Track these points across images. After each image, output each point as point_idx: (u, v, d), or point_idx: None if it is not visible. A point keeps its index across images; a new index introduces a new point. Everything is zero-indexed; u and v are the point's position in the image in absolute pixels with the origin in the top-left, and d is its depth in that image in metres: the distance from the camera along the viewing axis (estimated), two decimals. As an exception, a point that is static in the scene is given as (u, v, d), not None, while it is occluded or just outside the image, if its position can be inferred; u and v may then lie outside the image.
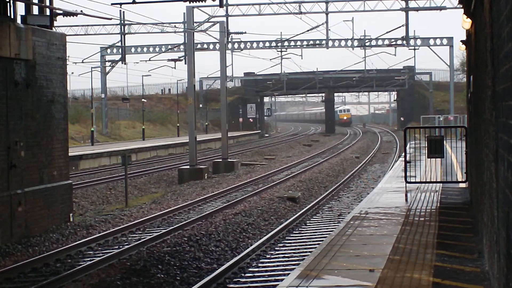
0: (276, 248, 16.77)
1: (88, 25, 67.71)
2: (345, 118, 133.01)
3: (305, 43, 71.18)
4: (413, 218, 14.11)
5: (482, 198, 10.66)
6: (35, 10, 21.81)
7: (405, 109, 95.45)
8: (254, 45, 71.81)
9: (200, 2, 28.08)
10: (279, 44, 72.99)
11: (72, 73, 79.45)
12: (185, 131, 69.35)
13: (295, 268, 10.61)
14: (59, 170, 21.61)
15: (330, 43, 68.82)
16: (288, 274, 10.26)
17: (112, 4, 30.16)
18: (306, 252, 15.55)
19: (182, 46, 67.83)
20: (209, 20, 55.68)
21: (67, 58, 22.64)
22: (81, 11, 25.46)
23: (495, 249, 7.42)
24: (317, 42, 69.36)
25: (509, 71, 5.50)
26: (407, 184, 18.07)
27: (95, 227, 20.76)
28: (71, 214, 22.03)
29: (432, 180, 20.56)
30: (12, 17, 20.01)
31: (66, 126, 22.46)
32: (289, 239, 17.99)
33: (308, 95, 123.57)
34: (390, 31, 69.08)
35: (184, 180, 34.57)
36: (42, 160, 20.75)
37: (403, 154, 21.94)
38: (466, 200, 16.85)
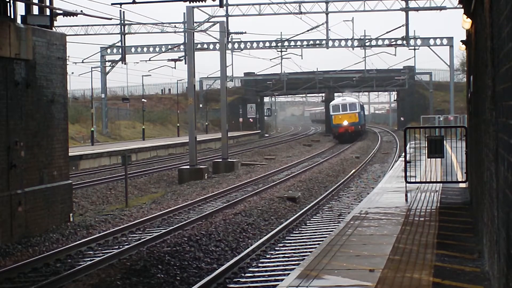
0: (276, 248, 16.77)
1: (88, 25, 67.73)
2: (345, 123, 70.43)
3: (305, 43, 71.16)
4: (413, 218, 14.11)
5: (482, 198, 10.66)
6: (35, 10, 21.81)
7: (405, 109, 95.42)
8: (254, 45, 71.80)
9: (200, 2, 28.09)
10: (279, 44, 72.97)
11: (72, 73, 79.47)
12: (185, 131, 69.34)
13: (295, 268, 10.61)
14: (59, 170, 21.61)
15: (330, 43, 68.80)
16: (288, 274, 10.26)
17: (112, 4, 30.17)
18: (306, 252, 15.55)
19: (182, 46, 67.81)
20: (209, 20, 55.69)
21: (67, 58, 22.65)
22: (81, 11, 25.47)
23: (495, 249, 7.43)
24: (317, 42, 69.34)
25: (509, 71, 5.50)
26: (407, 184, 18.07)
27: (95, 227, 20.76)
28: (71, 214, 22.03)
29: (432, 180, 20.56)
30: (12, 17, 20.01)
31: (66, 126, 22.46)
32: (289, 239, 17.98)
33: (308, 95, 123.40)
34: (390, 31, 69.10)
35: (184, 180, 34.57)
36: (42, 160, 20.75)
37: (403, 154, 21.94)
38: (466, 200, 16.85)
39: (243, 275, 14.16)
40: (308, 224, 20.30)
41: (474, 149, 14.68)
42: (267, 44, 72.27)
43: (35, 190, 20.24)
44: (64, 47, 22.17)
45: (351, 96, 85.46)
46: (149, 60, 71.48)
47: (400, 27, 66.32)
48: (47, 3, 22.04)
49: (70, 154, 24.29)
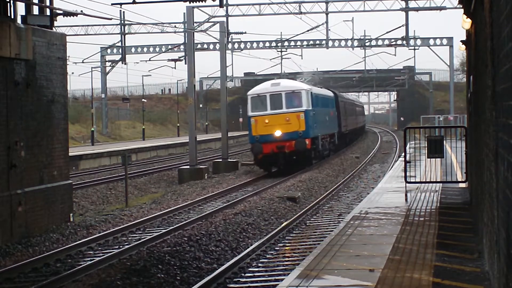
0: (276, 248, 16.77)
1: (88, 25, 67.82)
2: (277, 134, 34.65)
3: (305, 43, 71.20)
4: (413, 218, 14.11)
5: (482, 198, 10.66)
6: (35, 10, 21.81)
7: (405, 109, 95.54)
8: (254, 45, 71.82)
9: (200, 2, 28.09)
10: (279, 44, 73.01)
11: (72, 73, 79.71)
12: (185, 131, 69.36)
13: (295, 267, 10.61)
14: (59, 170, 21.61)
15: (330, 43, 68.83)
16: (288, 274, 10.26)
17: (112, 4, 30.17)
18: (306, 252, 15.55)
19: (182, 46, 67.85)
20: (209, 20, 55.73)
21: (67, 58, 22.65)
22: (81, 11, 25.48)
23: (495, 249, 7.43)
24: (317, 42, 69.38)
25: (509, 71, 5.50)
26: (407, 184, 18.08)
27: (95, 227, 20.76)
28: (71, 214, 22.03)
29: (432, 180, 20.56)
30: (12, 17, 20.01)
31: (66, 126, 22.46)
32: (289, 239, 17.98)
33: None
34: (390, 31, 69.17)
35: (184, 180, 34.55)
36: (42, 160, 20.75)
37: (403, 154, 21.95)
38: (466, 200, 16.85)
39: (243, 275, 14.17)
40: (308, 224, 20.30)
41: (474, 149, 14.68)
42: (267, 44, 72.29)
43: (35, 190, 20.23)
44: (64, 47, 22.18)
45: (300, 80, 47.40)
46: (149, 60, 71.61)
47: (400, 27, 66.41)
48: (47, 3, 22.03)
49: (70, 154, 24.28)
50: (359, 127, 73.93)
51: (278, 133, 34.78)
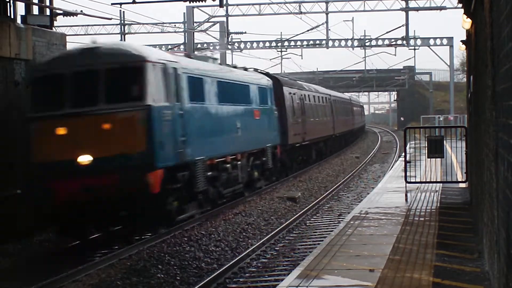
0: (276, 248, 16.77)
1: (88, 25, 67.86)
2: (82, 159, 15.72)
3: (305, 43, 71.15)
4: (413, 218, 14.12)
5: (482, 198, 10.66)
6: (35, 10, 21.82)
7: (405, 109, 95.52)
8: (254, 45, 71.77)
9: (200, 2, 28.10)
10: (279, 44, 72.97)
11: (72, 73, 79.54)
12: (185, 131, 69.30)
13: (295, 267, 10.61)
14: (59, 170, 21.57)
15: (330, 43, 68.80)
16: (288, 274, 10.26)
17: (112, 4, 30.21)
18: (306, 252, 15.55)
19: (182, 46, 67.83)
20: (209, 20, 55.75)
21: (67, 58, 22.62)
22: (81, 11, 25.52)
23: (495, 249, 7.43)
24: (317, 42, 69.34)
25: (509, 71, 5.50)
26: (407, 184, 18.08)
27: (95, 227, 20.72)
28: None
29: (432, 180, 20.56)
30: (12, 17, 20.01)
31: (66, 126, 22.43)
32: (289, 239, 17.98)
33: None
34: (390, 31, 69.21)
35: (184, 180, 34.28)
36: (42, 160, 20.71)
37: (403, 154, 21.96)
38: (466, 200, 16.86)
39: (243, 275, 14.17)
40: (308, 224, 20.30)
41: (474, 149, 14.68)
42: (267, 44, 72.24)
43: (35, 190, 20.20)
44: (64, 47, 22.17)
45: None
46: (149, 60, 71.46)
47: (400, 27, 66.38)
48: (47, 3, 22.04)
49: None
50: (346, 131, 56.07)
51: (84, 158, 16.23)
